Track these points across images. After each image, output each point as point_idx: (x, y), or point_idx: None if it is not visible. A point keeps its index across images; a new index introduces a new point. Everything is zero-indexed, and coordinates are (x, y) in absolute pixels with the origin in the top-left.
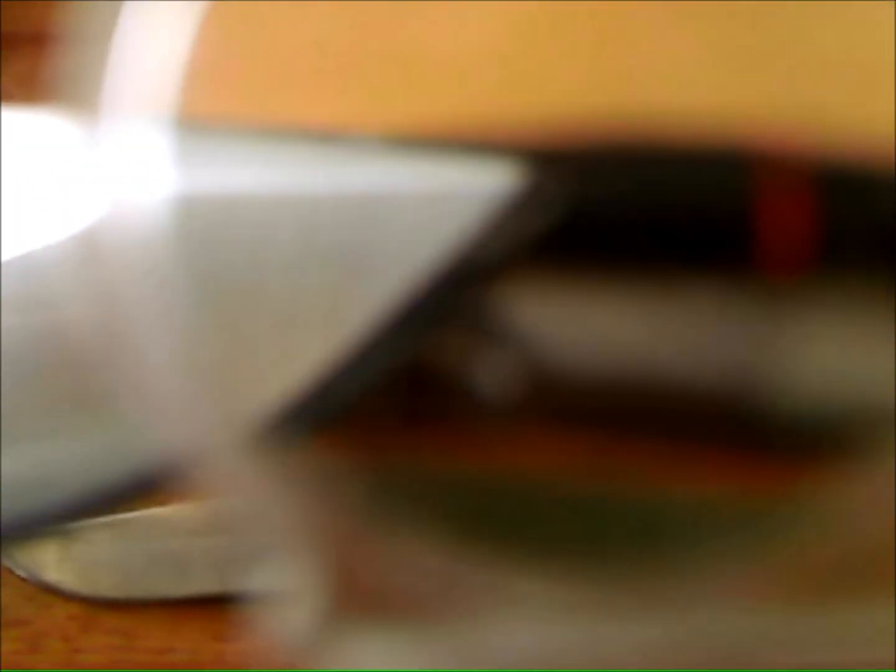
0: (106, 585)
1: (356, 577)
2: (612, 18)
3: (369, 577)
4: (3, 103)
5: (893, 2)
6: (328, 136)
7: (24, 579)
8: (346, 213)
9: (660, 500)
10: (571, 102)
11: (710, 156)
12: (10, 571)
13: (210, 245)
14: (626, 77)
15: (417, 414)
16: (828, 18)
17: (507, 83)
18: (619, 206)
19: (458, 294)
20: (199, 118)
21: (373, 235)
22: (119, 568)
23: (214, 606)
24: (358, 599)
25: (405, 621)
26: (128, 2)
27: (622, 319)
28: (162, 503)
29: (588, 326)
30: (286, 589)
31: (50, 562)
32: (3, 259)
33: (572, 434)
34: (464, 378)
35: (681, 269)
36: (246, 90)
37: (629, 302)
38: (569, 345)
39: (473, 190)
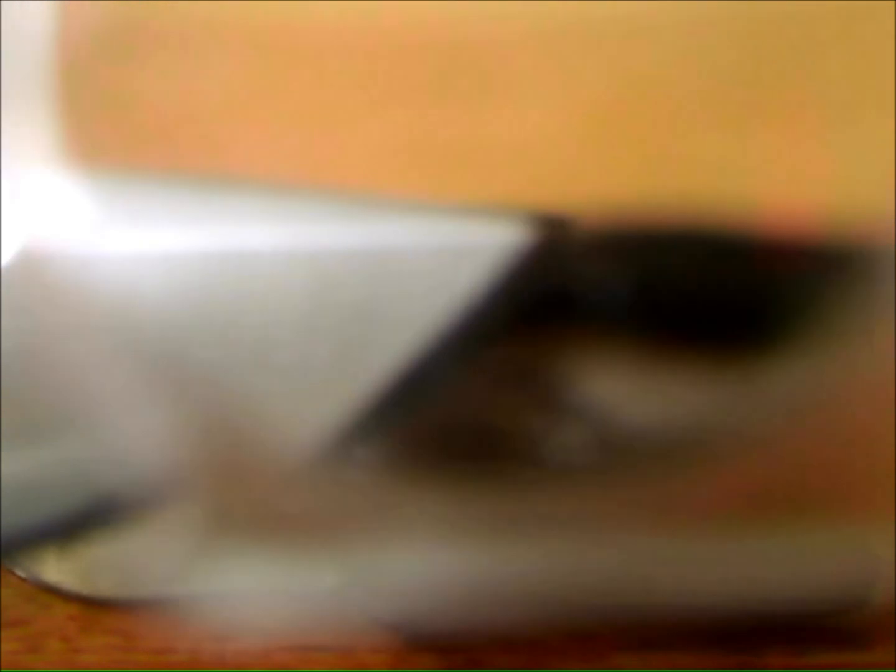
0: (106, 585)
1: (235, 497)
2: (658, 108)
3: (250, 497)
4: None
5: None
6: (343, 193)
7: (24, 579)
8: (356, 269)
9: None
10: (614, 190)
11: (763, 240)
12: (10, 571)
13: (216, 301)
14: (666, 170)
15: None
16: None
17: (554, 168)
18: (683, 285)
19: (468, 350)
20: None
21: (383, 291)
22: (119, 568)
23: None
24: (237, 520)
25: (287, 542)
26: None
27: (684, 391)
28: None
29: (652, 396)
30: (163, 511)
31: (50, 562)
32: None
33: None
34: (530, 441)
35: (739, 347)
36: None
37: (692, 375)
38: (634, 413)
39: (484, 246)
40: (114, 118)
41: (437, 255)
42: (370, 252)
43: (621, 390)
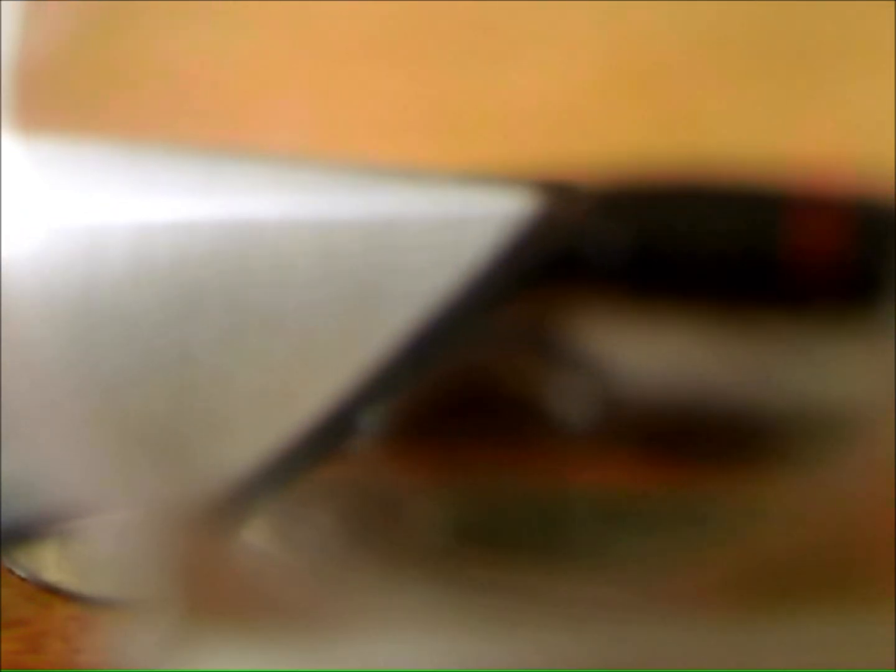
0: (106, 585)
1: (212, 584)
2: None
3: (227, 585)
4: None
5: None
6: (347, 163)
7: (24, 579)
8: (361, 239)
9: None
10: (627, 149)
11: (761, 196)
12: (10, 571)
13: (231, 269)
14: (677, 125)
15: (486, 433)
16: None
17: (559, 130)
18: (685, 242)
19: (474, 318)
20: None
21: (388, 260)
22: (119, 568)
23: None
24: (213, 607)
25: (264, 630)
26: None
27: (688, 347)
28: None
29: (657, 354)
30: (138, 596)
31: (50, 562)
32: None
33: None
34: (537, 401)
35: (745, 304)
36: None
37: (695, 331)
38: (638, 370)
39: (489, 215)
40: (119, 88)
41: (442, 224)
42: (374, 222)
43: (626, 347)
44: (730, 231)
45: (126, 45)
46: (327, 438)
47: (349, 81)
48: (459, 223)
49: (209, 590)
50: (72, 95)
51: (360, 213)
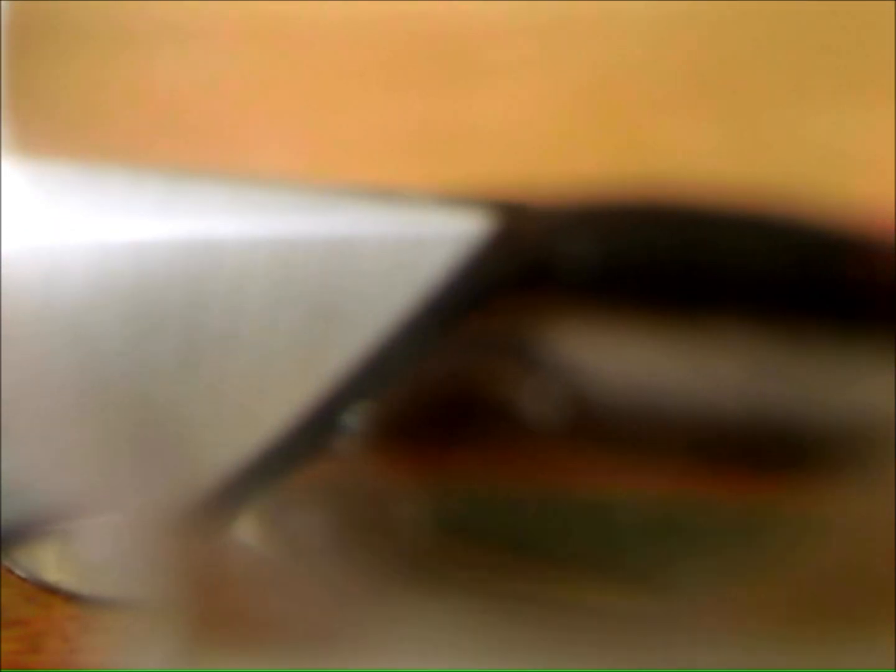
0: (106, 586)
1: (218, 601)
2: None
3: (234, 602)
4: None
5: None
6: (305, 183)
7: (24, 579)
8: (319, 259)
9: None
10: (596, 170)
11: (727, 215)
12: (10, 571)
13: (189, 289)
14: (645, 150)
15: (462, 438)
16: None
17: (531, 152)
18: (649, 255)
19: (430, 336)
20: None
21: (345, 280)
22: (119, 568)
23: None
24: (220, 625)
25: (272, 648)
26: None
27: (658, 354)
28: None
29: (627, 360)
30: (135, 598)
31: (50, 562)
32: None
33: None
34: (511, 404)
35: (707, 313)
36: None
37: (663, 341)
38: (609, 376)
39: (444, 235)
40: (107, 112)
41: (399, 245)
42: (331, 242)
43: (595, 353)
44: (689, 244)
45: (114, 68)
46: (285, 457)
47: (331, 104)
48: (415, 244)
49: (205, 592)
50: (59, 119)
51: (317, 234)
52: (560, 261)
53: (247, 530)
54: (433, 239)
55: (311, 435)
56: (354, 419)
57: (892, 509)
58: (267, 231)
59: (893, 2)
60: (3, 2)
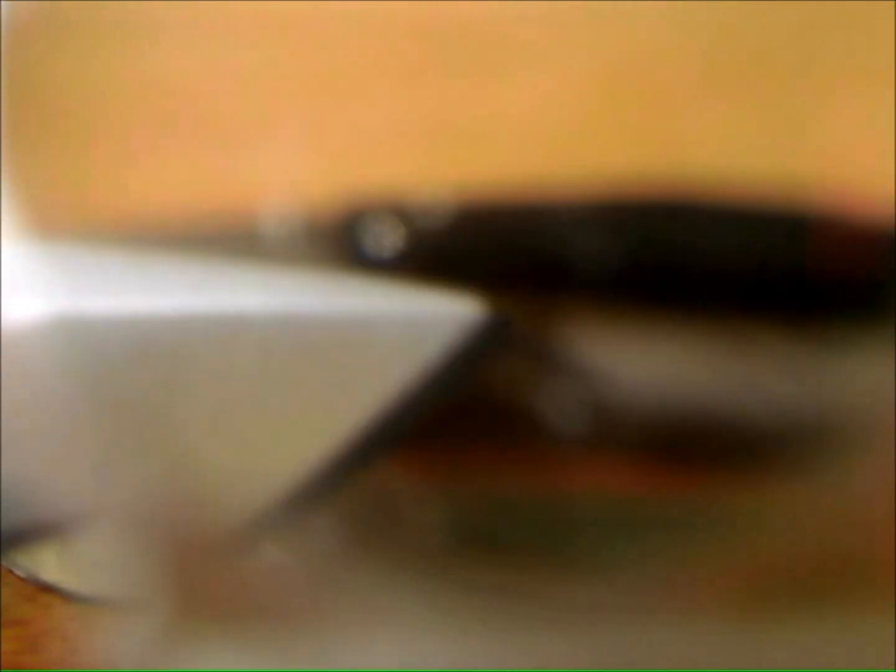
0: (106, 585)
1: (205, 585)
2: (650, 89)
3: (220, 585)
4: None
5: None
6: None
7: (23, 579)
8: (335, 335)
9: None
10: (618, 165)
11: (752, 211)
12: (10, 571)
13: (221, 358)
14: (665, 143)
15: (479, 439)
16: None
17: (552, 147)
18: (675, 255)
19: (428, 405)
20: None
21: (357, 353)
22: (119, 568)
23: None
24: (206, 608)
25: (259, 632)
26: None
27: (679, 357)
28: None
29: (645, 362)
30: (128, 595)
31: (50, 562)
32: None
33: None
34: (531, 408)
35: (731, 314)
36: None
37: (684, 341)
38: (630, 378)
39: (446, 317)
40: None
41: (404, 323)
42: (345, 321)
43: (619, 355)
44: (719, 245)
45: (113, 64)
46: (300, 502)
47: (346, 99)
48: (418, 323)
49: (206, 590)
50: (64, 119)
51: (333, 313)
52: (578, 260)
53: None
54: (435, 319)
55: (323, 487)
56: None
57: (844, 500)
58: (290, 310)
59: (894, 1)
60: (2, 1)
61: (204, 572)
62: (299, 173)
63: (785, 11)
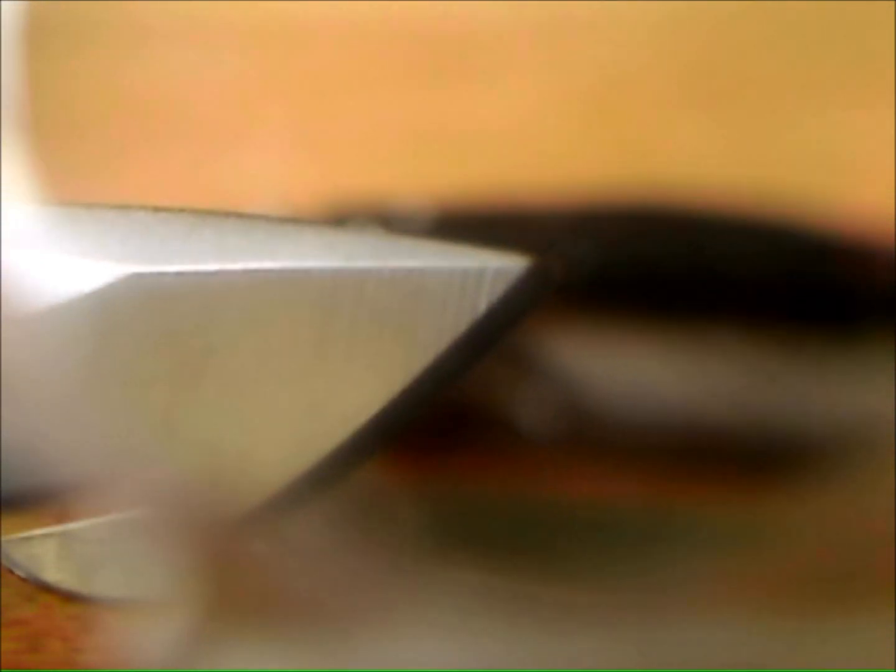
0: (106, 585)
1: (236, 582)
2: (630, 102)
3: (251, 583)
4: None
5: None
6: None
7: (23, 579)
8: (392, 288)
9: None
10: (595, 173)
11: (729, 221)
12: (10, 571)
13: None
14: (645, 154)
15: (458, 443)
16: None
17: (530, 154)
18: (651, 261)
19: (477, 355)
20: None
21: (412, 305)
22: (119, 568)
23: None
24: (237, 609)
25: (292, 628)
26: None
27: (652, 362)
28: None
29: (622, 367)
30: (154, 597)
31: (50, 562)
32: None
33: (601, 461)
34: (506, 411)
35: (703, 319)
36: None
37: (659, 346)
38: (606, 382)
39: (491, 269)
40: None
41: (455, 276)
42: (401, 276)
43: (594, 361)
44: (697, 253)
45: (101, 68)
46: (354, 455)
47: (332, 106)
48: (466, 276)
49: (226, 588)
50: (48, 123)
51: (388, 270)
52: (558, 265)
53: (248, 528)
54: (482, 272)
55: (369, 445)
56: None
57: (889, 508)
58: (349, 265)
59: (893, 1)
60: (2, 1)
61: (228, 568)
62: (284, 178)
63: (768, 23)
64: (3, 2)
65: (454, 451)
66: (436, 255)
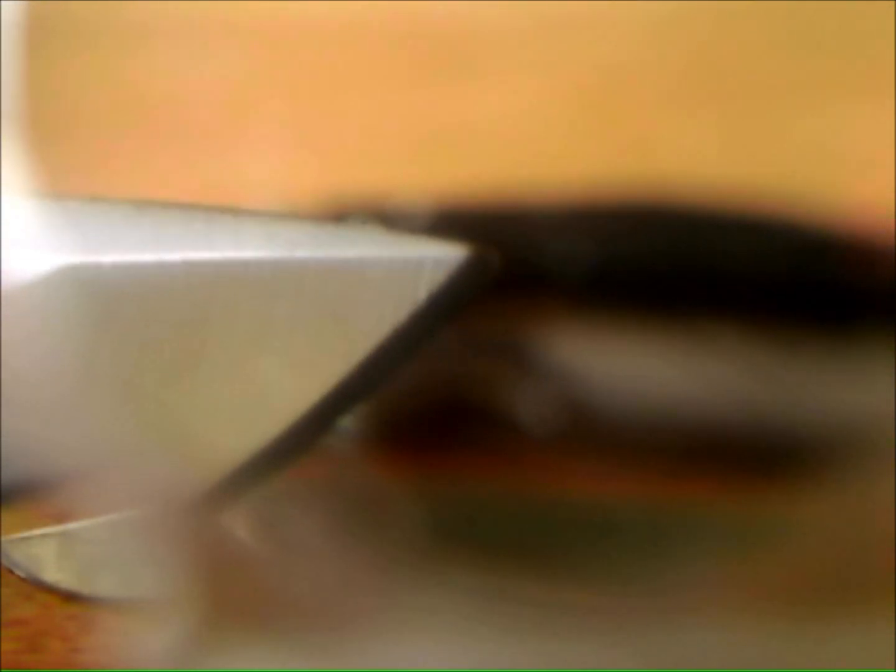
0: (106, 585)
1: (233, 586)
2: (629, 98)
3: (250, 587)
4: None
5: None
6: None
7: (23, 579)
8: (333, 277)
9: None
10: (592, 171)
11: (724, 217)
12: (10, 571)
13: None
14: (642, 150)
15: (456, 441)
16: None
17: (528, 152)
18: (650, 259)
19: (409, 353)
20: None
21: (353, 293)
22: (119, 568)
23: None
24: (236, 610)
25: (291, 629)
26: None
27: (651, 359)
28: None
29: (620, 364)
30: (153, 599)
31: (50, 562)
32: None
33: (600, 458)
34: (504, 408)
35: (702, 316)
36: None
37: (658, 344)
38: (604, 379)
39: (431, 259)
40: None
41: (395, 265)
42: (342, 265)
43: (592, 357)
44: (693, 249)
45: (100, 67)
46: (295, 445)
47: (329, 106)
48: (406, 266)
49: (225, 588)
50: (46, 120)
51: (328, 260)
52: (555, 262)
53: (243, 529)
54: (421, 262)
55: (310, 433)
56: (350, 420)
57: (889, 506)
58: (289, 255)
59: (893, 1)
60: (2, 1)
61: (224, 569)
62: (283, 176)
63: (766, 21)
64: (2, 1)
65: (454, 449)
66: (376, 244)
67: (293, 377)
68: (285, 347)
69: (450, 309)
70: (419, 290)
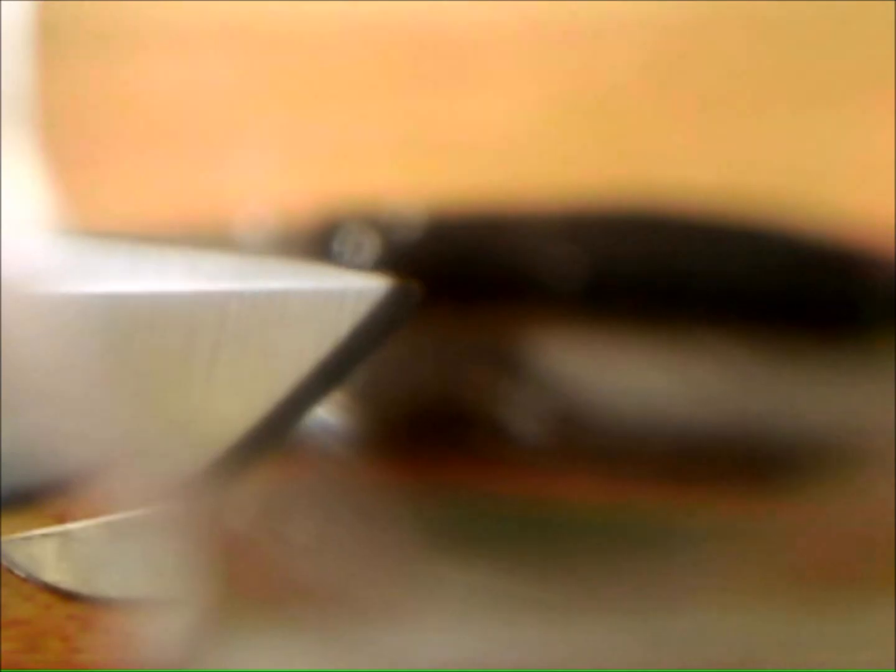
0: (106, 585)
1: (235, 583)
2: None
3: (251, 584)
4: None
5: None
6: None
7: (23, 579)
8: (260, 311)
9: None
10: (585, 178)
11: (714, 225)
12: (10, 571)
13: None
14: (632, 158)
15: (450, 447)
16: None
17: (520, 158)
18: (643, 268)
19: (332, 385)
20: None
21: (279, 326)
22: (119, 568)
23: None
24: (237, 607)
25: (291, 629)
26: None
27: (643, 368)
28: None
29: (613, 372)
30: (153, 599)
31: (50, 562)
32: None
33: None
34: (496, 415)
35: (696, 325)
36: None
37: (653, 352)
38: (595, 387)
39: (354, 292)
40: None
41: (318, 300)
42: (267, 299)
43: (583, 365)
44: (683, 257)
45: (91, 75)
46: (216, 478)
47: (319, 111)
48: (329, 298)
49: (224, 589)
50: (42, 132)
51: (251, 292)
52: (548, 271)
53: (243, 525)
54: (344, 294)
55: (230, 468)
56: (346, 425)
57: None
58: (214, 288)
59: (893, 1)
60: (2, 2)
61: (237, 561)
62: (276, 183)
63: (763, 28)
64: (2, 7)
65: (451, 457)
66: (298, 276)
67: (215, 412)
68: (207, 382)
69: (373, 340)
70: (342, 323)
